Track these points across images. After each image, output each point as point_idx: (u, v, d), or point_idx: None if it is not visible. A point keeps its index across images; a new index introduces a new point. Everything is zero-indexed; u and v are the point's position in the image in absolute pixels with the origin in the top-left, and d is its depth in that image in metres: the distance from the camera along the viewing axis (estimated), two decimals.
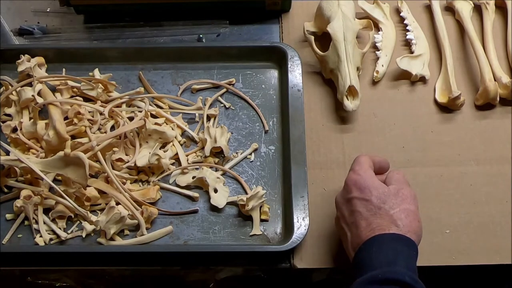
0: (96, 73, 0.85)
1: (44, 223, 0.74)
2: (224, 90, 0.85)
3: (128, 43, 0.91)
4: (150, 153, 0.76)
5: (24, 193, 0.73)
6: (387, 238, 0.61)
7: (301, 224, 0.72)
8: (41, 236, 0.73)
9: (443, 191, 0.77)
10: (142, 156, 0.77)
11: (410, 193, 0.66)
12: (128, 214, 0.73)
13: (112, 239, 0.73)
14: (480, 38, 0.88)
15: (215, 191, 0.76)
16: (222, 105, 0.84)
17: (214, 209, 0.76)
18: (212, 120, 0.83)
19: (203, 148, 0.79)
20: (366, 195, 0.64)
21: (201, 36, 0.92)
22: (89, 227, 0.73)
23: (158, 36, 0.93)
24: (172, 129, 0.80)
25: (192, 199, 0.77)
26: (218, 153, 0.80)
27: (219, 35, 0.93)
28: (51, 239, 0.73)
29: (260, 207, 0.75)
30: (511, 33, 0.88)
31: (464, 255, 0.73)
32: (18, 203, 0.73)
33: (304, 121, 0.80)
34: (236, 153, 0.80)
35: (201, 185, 0.77)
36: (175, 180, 0.78)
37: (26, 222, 0.75)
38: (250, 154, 0.80)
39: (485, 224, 0.75)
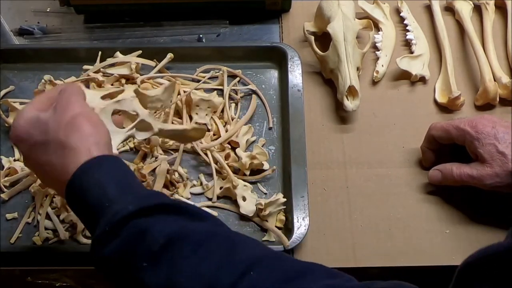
0: (119, 55, 0.85)
1: (50, 219, 0.74)
2: (238, 78, 0.86)
3: (128, 43, 0.91)
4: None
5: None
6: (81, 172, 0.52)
7: (301, 224, 0.72)
8: (39, 235, 0.73)
9: (443, 191, 0.77)
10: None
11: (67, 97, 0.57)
12: None
13: (86, 235, 0.73)
14: (480, 38, 0.88)
15: (244, 199, 0.75)
16: (231, 101, 0.85)
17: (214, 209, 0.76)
18: (233, 107, 0.84)
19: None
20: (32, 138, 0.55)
21: (201, 36, 0.92)
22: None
23: (158, 36, 0.93)
24: None
25: None
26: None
27: (219, 35, 0.93)
28: (47, 239, 0.73)
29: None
30: (511, 33, 0.88)
31: (464, 255, 0.73)
32: (33, 188, 0.73)
33: (304, 121, 0.80)
34: None
35: (229, 194, 0.77)
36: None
37: (29, 220, 0.75)
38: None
39: (485, 224, 0.75)
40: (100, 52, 0.85)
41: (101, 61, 0.85)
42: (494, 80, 0.83)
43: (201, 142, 0.78)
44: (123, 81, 0.83)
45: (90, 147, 0.54)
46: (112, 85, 0.83)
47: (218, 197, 0.77)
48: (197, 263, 0.48)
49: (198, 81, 0.85)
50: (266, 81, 0.87)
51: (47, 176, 0.57)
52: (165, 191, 0.75)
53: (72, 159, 0.53)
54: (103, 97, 0.62)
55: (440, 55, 0.89)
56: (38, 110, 0.57)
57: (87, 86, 0.83)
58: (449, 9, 0.94)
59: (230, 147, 0.79)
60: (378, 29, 0.91)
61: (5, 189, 0.76)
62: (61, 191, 0.55)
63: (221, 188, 0.77)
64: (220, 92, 0.84)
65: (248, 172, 0.77)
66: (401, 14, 0.93)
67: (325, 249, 0.73)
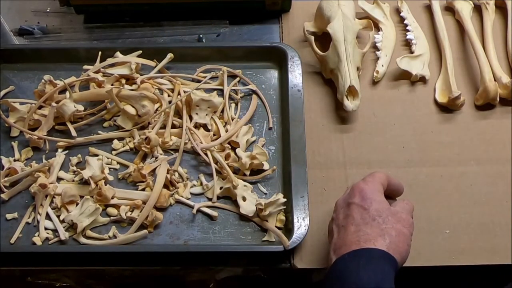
0: (119, 55, 0.85)
1: (51, 220, 0.74)
2: (238, 78, 0.86)
3: (128, 43, 0.91)
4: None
5: (40, 180, 0.74)
6: (376, 254, 0.60)
7: (301, 224, 0.72)
8: (39, 235, 0.73)
9: (443, 191, 0.77)
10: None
11: (409, 219, 0.65)
12: (128, 211, 0.75)
13: (86, 235, 0.73)
14: (480, 38, 0.88)
15: (244, 199, 0.75)
16: (231, 101, 0.85)
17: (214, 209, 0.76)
18: (233, 107, 0.84)
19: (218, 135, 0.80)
20: (366, 204, 0.64)
21: (201, 36, 0.92)
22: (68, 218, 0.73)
23: (158, 36, 0.93)
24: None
25: (210, 217, 0.76)
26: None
27: (219, 35, 0.93)
28: (47, 239, 0.73)
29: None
30: (511, 33, 0.88)
31: (464, 255, 0.73)
32: (33, 188, 0.74)
33: (304, 121, 0.80)
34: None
35: (229, 194, 0.77)
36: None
37: (29, 220, 0.75)
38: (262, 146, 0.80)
39: (485, 224, 0.75)
40: (100, 52, 0.85)
41: (101, 61, 0.85)
42: (494, 80, 0.83)
43: (201, 142, 0.78)
44: (123, 81, 0.83)
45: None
46: (112, 85, 0.83)
47: (218, 197, 0.77)
48: None
49: (198, 81, 0.85)
50: (266, 81, 0.87)
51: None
52: (165, 191, 0.75)
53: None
54: None
55: (440, 55, 0.89)
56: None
57: (87, 87, 0.84)
58: (449, 9, 0.94)
59: (230, 147, 0.79)
60: (378, 29, 0.91)
61: (5, 189, 0.76)
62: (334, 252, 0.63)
63: (221, 188, 0.77)
64: (220, 92, 0.84)
65: (248, 172, 0.77)
66: (401, 14, 0.93)
67: (325, 249, 0.73)
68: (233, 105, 0.84)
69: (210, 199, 0.76)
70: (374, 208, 0.63)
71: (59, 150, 0.80)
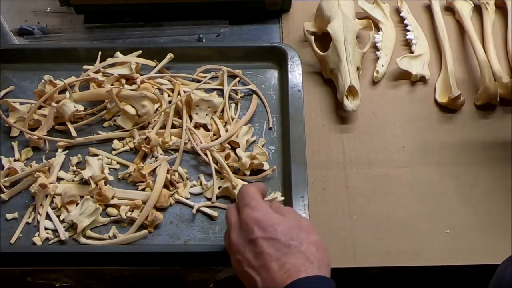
0: (119, 55, 0.85)
1: (51, 219, 0.74)
2: (238, 78, 0.86)
3: (128, 43, 0.91)
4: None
5: (40, 180, 0.74)
6: (309, 282, 0.56)
7: None
8: (39, 235, 0.73)
9: (443, 191, 0.77)
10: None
11: (308, 222, 0.62)
12: (128, 211, 0.75)
13: (86, 235, 0.73)
14: (480, 38, 0.88)
15: None
16: (231, 101, 0.85)
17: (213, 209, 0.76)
18: (233, 107, 0.84)
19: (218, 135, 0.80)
20: (271, 233, 0.59)
21: (201, 36, 0.92)
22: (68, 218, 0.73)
23: (158, 36, 0.93)
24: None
25: (210, 218, 0.76)
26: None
27: (219, 35, 0.93)
28: (47, 239, 0.73)
29: None
30: (511, 33, 0.88)
31: (464, 255, 0.73)
32: (33, 188, 0.73)
33: (304, 121, 0.80)
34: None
35: (228, 194, 0.76)
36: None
37: (29, 220, 0.75)
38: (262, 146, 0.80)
39: (485, 224, 0.75)
40: (100, 52, 0.85)
41: (101, 61, 0.85)
42: (494, 80, 0.83)
43: (201, 142, 0.78)
44: (123, 81, 0.83)
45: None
46: (112, 85, 0.83)
47: (218, 197, 0.77)
48: None
49: (198, 81, 0.85)
50: (266, 81, 0.87)
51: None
52: (165, 191, 0.75)
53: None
54: None
55: (440, 55, 0.89)
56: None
57: (87, 87, 0.84)
58: (449, 9, 0.94)
59: (230, 147, 0.79)
60: (378, 29, 0.91)
61: (5, 189, 0.76)
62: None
63: (219, 187, 0.76)
64: (220, 92, 0.84)
65: (248, 172, 0.77)
66: (401, 14, 0.93)
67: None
68: (233, 105, 0.84)
69: (209, 199, 0.76)
70: (281, 232, 0.59)
71: (59, 150, 0.80)
